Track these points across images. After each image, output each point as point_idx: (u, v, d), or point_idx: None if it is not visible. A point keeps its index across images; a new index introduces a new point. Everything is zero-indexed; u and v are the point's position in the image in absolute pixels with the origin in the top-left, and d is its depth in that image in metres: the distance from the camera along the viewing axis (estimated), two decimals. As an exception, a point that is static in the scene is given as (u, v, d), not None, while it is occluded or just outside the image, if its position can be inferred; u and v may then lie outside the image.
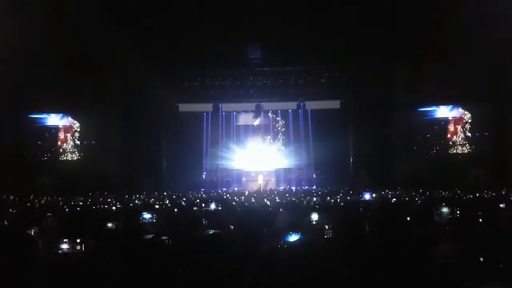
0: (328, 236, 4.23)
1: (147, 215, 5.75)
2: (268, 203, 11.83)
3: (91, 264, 2.86)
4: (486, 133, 19.14)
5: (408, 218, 5.58)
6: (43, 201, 13.92)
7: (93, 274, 2.73)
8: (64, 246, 3.21)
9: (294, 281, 2.82)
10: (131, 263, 2.47)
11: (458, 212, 5.88)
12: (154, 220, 5.66)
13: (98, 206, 10.88)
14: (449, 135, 20.06)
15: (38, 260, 2.72)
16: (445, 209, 5.15)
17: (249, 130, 26.15)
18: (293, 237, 3.62)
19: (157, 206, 9.54)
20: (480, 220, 5.87)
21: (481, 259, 3.21)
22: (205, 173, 25.25)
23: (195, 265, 2.78)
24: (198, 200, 17.30)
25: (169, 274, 2.47)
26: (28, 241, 2.68)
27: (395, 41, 16.41)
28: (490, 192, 13.07)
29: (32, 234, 4.22)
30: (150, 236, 3.78)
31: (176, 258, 2.89)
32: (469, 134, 19.58)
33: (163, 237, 3.70)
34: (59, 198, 14.92)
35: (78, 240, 3.26)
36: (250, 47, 21.28)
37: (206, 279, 2.66)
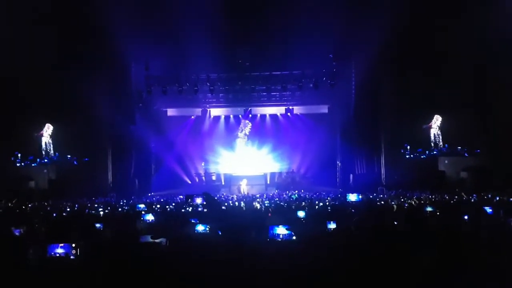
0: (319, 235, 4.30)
1: (149, 217, 5.73)
2: (258, 206, 11.89)
3: (87, 267, 2.84)
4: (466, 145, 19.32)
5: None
6: (30, 206, 13.76)
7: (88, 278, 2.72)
8: (59, 250, 3.17)
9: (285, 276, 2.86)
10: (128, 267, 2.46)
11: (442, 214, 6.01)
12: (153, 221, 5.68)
13: (86, 211, 10.78)
14: (435, 141, 20.32)
15: (27, 261, 2.69)
16: (429, 208, 5.28)
17: (238, 134, 26.16)
18: (280, 229, 3.62)
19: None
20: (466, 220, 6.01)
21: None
22: (195, 177, 25.14)
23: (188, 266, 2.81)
24: (181, 196, 17.13)
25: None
26: (14, 241, 2.65)
27: (384, 46, 16.60)
28: (474, 195, 13.26)
29: (19, 234, 4.17)
30: (148, 237, 3.77)
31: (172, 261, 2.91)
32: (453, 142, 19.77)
33: (159, 239, 3.69)
34: (45, 203, 14.70)
35: (74, 245, 3.23)
36: (239, 52, 21.34)
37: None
